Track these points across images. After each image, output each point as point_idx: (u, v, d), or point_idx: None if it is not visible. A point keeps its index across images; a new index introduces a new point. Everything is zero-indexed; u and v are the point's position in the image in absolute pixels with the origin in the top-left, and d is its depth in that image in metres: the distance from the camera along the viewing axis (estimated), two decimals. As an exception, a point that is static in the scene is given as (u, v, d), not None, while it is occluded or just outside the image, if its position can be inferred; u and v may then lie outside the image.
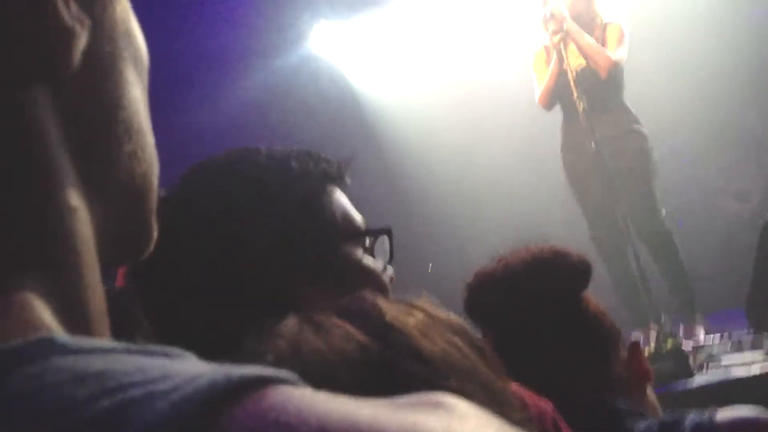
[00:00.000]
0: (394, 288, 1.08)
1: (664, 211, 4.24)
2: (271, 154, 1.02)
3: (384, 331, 0.68)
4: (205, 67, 5.70)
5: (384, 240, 1.07)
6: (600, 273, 4.33)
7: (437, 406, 0.32)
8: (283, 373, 0.33)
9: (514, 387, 0.93)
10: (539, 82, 4.35)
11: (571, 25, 4.13)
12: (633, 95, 4.35)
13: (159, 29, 5.47)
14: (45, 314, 0.37)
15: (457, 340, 0.72)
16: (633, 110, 4.29)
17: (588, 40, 4.13)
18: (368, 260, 1.03)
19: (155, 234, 0.49)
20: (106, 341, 0.36)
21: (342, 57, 6.16)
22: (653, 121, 4.42)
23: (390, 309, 0.72)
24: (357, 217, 1.05)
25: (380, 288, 1.01)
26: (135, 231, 0.47)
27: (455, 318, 0.76)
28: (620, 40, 4.19)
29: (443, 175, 5.89)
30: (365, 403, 0.32)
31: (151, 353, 0.35)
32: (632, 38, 4.29)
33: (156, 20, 5.73)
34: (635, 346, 1.44)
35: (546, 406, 1.12)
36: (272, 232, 0.96)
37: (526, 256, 1.42)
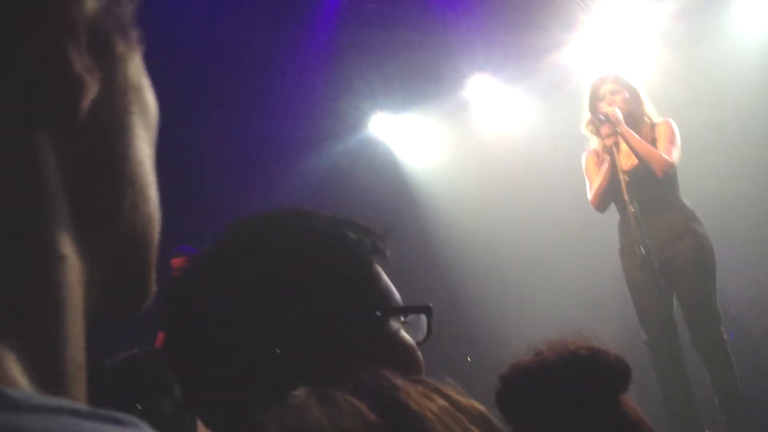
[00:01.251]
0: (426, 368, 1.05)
1: (722, 319, 4.13)
2: (324, 218, 1.01)
3: (397, 413, 0.66)
4: (268, 151, 5.91)
5: (420, 318, 1.05)
6: (649, 379, 4.25)
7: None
8: None
9: None
10: (591, 183, 4.35)
11: (623, 127, 4.15)
12: (693, 192, 4.32)
13: (228, 114, 5.75)
14: (11, 366, 0.36)
15: (475, 430, 0.70)
16: (692, 208, 4.24)
17: (640, 141, 4.14)
18: (405, 335, 1.01)
19: (153, 289, 0.48)
20: (62, 400, 0.35)
21: (397, 143, 6.39)
22: (713, 219, 4.36)
23: (410, 390, 0.70)
24: (395, 291, 1.04)
25: (415, 364, 0.99)
26: (131, 285, 0.47)
27: (479, 406, 0.74)
28: (672, 140, 4.19)
29: (489, 258, 5.91)
30: None
31: (101, 418, 0.34)
32: (689, 132, 4.30)
33: (224, 106, 6.02)
34: None
35: None
36: (322, 302, 0.94)
37: (563, 351, 1.37)
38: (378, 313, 0.98)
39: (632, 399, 1.39)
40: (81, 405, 0.34)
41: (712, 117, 5.48)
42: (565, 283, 5.51)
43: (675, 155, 4.17)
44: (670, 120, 4.28)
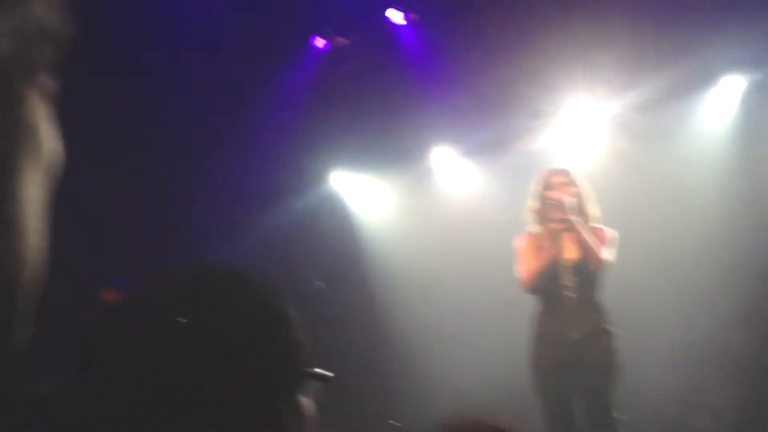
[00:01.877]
0: None
1: (618, 416, 4.19)
2: (252, 283, 1.02)
3: None
4: (230, 204, 5.95)
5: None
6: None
7: None
8: None
9: None
10: (525, 265, 4.41)
11: (574, 217, 4.28)
12: (611, 294, 4.44)
13: (188, 164, 5.77)
14: None
15: None
16: (609, 309, 4.35)
17: (588, 234, 4.27)
18: (306, 403, 1.04)
19: (21, 333, 0.46)
20: None
21: (355, 200, 6.50)
22: (632, 323, 4.48)
23: None
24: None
25: None
26: (5, 331, 0.45)
27: None
28: (609, 244, 4.35)
29: (426, 318, 6.01)
30: None
31: None
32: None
33: (185, 155, 6.02)
34: None
35: None
36: (236, 368, 0.95)
37: (475, 428, 1.38)
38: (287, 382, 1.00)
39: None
40: None
41: (666, 212, 5.67)
42: (492, 352, 5.61)
43: (611, 257, 4.30)
44: (612, 230, 4.39)
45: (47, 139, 0.45)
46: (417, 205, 6.38)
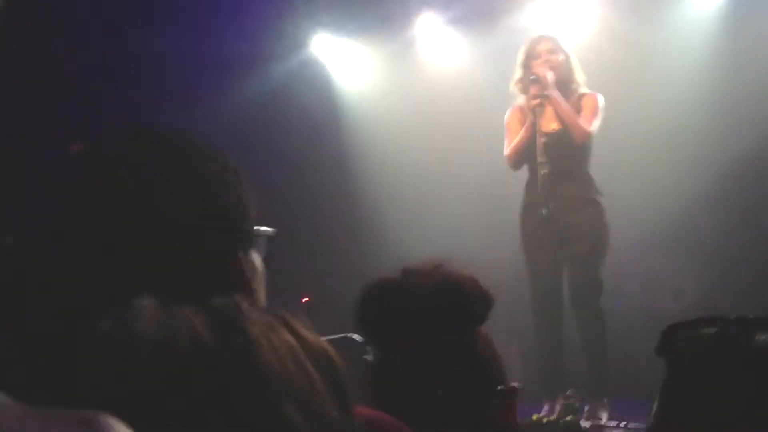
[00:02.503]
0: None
1: (602, 290, 4.32)
2: (196, 140, 1.02)
3: (231, 336, 0.68)
4: (206, 71, 5.79)
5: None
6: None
7: (87, 424, 0.30)
8: None
9: (365, 415, 0.96)
10: (510, 140, 4.44)
11: (553, 91, 4.25)
12: (597, 166, 4.47)
13: (160, 32, 5.57)
14: None
15: (309, 365, 0.72)
16: (597, 180, 4.38)
17: (567, 108, 4.25)
18: (256, 260, 1.05)
19: None
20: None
21: (337, 66, 6.34)
22: (612, 197, 4.52)
23: (255, 318, 0.72)
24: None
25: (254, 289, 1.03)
26: None
27: (324, 345, 0.76)
28: (595, 112, 4.32)
29: (402, 190, 6.06)
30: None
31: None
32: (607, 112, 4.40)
33: (157, 23, 5.81)
34: (511, 393, 1.41)
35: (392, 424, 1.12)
36: (185, 216, 0.96)
37: (431, 272, 1.40)
38: (238, 238, 1.00)
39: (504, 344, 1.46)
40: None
41: (653, 82, 5.61)
42: (468, 225, 5.68)
43: (594, 126, 4.31)
44: (598, 94, 4.40)
45: None
46: (401, 74, 6.25)
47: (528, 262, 4.42)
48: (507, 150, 4.44)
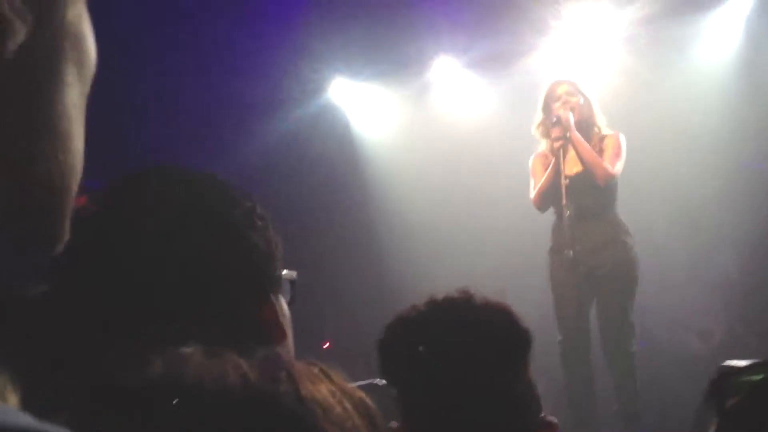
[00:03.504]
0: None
1: (635, 331, 4.28)
2: (227, 186, 1.02)
3: (279, 380, 0.68)
4: (223, 115, 5.84)
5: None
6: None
7: None
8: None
9: None
10: (535, 184, 4.45)
11: (574, 133, 4.25)
12: (621, 205, 4.45)
13: (183, 76, 5.64)
14: None
15: (349, 406, 0.71)
16: (626, 222, 4.36)
17: (589, 149, 4.25)
18: (284, 305, 1.05)
19: (64, 237, 0.47)
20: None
21: (355, 110, 6.40)
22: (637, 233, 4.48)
23: (298, 367, 0.71)
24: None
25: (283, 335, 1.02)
26: (42, 232, 0.45)
27: (360, 393, 0.76)
28: (618, 152, 4.31)
29: (423, 236, 6.03)
30: None
31: None
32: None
33: (177, 66, 5.89)
34: (553, 427, 1.31)
35: None
36: (219, 265, 0.95)
37: (463, 305, 1.28)
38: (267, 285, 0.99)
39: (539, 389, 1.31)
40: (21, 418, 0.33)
41: (671, 123, 5.61)
42: (493, 273, 5.63)
43: (618, 168, 4.30)
44: (620, 134, 4.40)
45: (90, 44, 0.45)
46: (418, 116, 6.29)
47: (556, 305, 4.38)
48: (532, 194, 4.45)
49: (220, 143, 5.69)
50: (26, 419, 0.31)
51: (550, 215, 4.46)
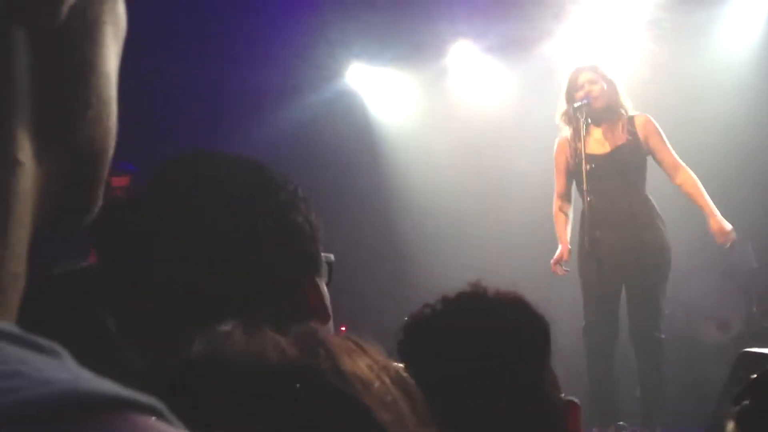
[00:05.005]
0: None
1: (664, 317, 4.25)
2: (266, 168, 1.04)
3: (318, 354, 0.67)
4: (241, 101, 5.83)
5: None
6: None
7: None
8: (146, 399, 0.31)
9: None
10: (558, 172, 4.46)
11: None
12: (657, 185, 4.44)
13: (199, 62, 5.64)
14: None
15: (387, 380, 0.71)
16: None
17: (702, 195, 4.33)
18: (323, 285, 1.07)
19: (99, 204, 0.47)
20: None
21: (372, 95, 6.37)
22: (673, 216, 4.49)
23: (335, 341, 0.71)
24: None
25: (326, 313, 1.04)
26: (81, 197, 0.45)
27: (396, 365, 0.75)
28: (663, 140, 4.34)
29: (443, 222, 5.99)
30: None
31: (21, 342, 0.32)
32: (670, 124, 4.43)
33: (197, 54, 5.88)
34: (575, 408, 1.29)
35: None
36: (258, 244, 0.97)
37: (477, 298, 1.26)
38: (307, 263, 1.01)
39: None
40: (2, 324, 0.33)
41: (694, 110, 5.54)
42: (516, 258, 5.59)
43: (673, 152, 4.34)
44: (648, 116, 4.36)
45: (122, 6, 0.46)
46: (436, 101, 6.25)
47: (583, 291, 4.34)
48: (556, 180, 4.45)
49: (236, 129, 5.69)
50: (114, 387, 0.31)
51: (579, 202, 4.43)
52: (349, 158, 6.19)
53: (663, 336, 4.24)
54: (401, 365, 0.78)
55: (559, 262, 4.35)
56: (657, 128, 4.33)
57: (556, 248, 4.46)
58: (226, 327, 0.71)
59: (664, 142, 4.32)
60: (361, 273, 6.08)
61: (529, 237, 5.56)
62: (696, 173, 5.44)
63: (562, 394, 1.28)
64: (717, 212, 4.24)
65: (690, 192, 4.31)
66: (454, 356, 1.20)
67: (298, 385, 0.66)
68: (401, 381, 0.74)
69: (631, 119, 4.35)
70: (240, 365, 0.66)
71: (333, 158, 6.10)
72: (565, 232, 4.40)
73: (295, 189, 1.03)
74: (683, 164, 4.33)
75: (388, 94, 6.38)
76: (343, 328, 5.30)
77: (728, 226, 4.21)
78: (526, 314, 1.25)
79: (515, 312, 1.24)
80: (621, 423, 4.06)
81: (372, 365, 0.72)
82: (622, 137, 4.29)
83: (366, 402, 0.67)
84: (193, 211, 0.96)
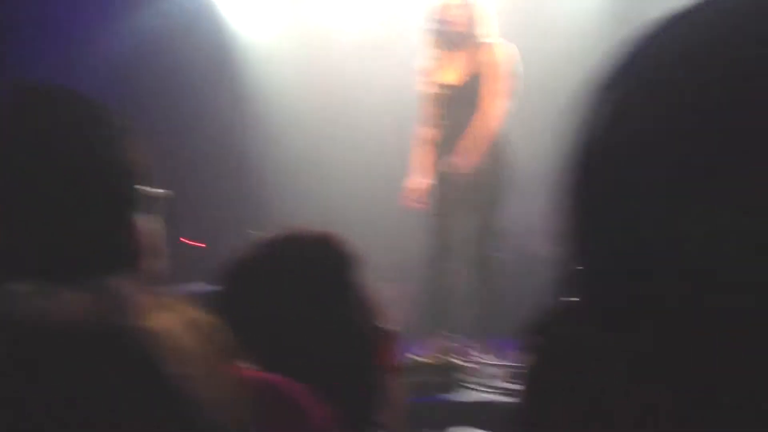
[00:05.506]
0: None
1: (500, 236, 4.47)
2: (81, 97, 0.97)
3: (120, 310, 0.70)
4: (85, 7, 5.41)
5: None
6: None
7: None
8: None
9: (242, 371, 0.96)
10: (421, 99, 4.50)
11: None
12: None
13: None
14: None
15: (195, 335, 0.75)
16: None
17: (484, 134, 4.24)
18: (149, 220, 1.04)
19: None
20: None
21: (231, 5, 6.06)
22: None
23: (143, 298, 0.74)
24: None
25: (159, 249, 1.02)
26: None
27: (207, 319, 0.79)
28: (501, 80, 4.26)
29: (297, 143, 5.93)
30: None
31: None
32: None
33: None
34: (390, 337, 1.36)
35: (283, 383, 1.11)
36: (69, 189, 0.90)
37: (281, 238, 1.33)
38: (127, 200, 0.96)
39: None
40: None
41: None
42: (363, 182, 5.63)
43: (503, 101, 4.26)
44: (505, 45, 4.29)
45: None
46: (301, 19, 6.02)
47: (431, 213, 4.50)
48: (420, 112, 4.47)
49: (80, 38, 5.26)
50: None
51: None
52: (205, 69, 5.92)
53: (496, 255, 4.49)
54: (211, 317, 0.81)
55: (420, 193, 4.45)
56: (502, 60, 4.29)
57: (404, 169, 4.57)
58: (17, 285, 0.72)
59: (498, 75, 4.28)
60: (213, 193, 5.91)
61: (382, 166, 5.61)
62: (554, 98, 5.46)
63: (384, 325, 1.34)
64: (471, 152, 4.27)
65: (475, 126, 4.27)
66: (261, 299, 1.27)
67: (87, 346, 0.68)
68: (210, 335, 0.77)
69: (489, 46, 4.31)
70: (27, 326, 0.67)
71: (187, 70, 5.79)
72: (429, 162, 4.44)
73: (107, 118, 0.95)
74: (496, 103, 4.27)
75: (247, 6, 6.13)
76: (197, 244, 5.31)
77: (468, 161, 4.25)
78: (328, 249, 1.31)
79: (317, 248, 1.31)
80: (447, 332, 4.35)
81: (177, 320, 0.75)
82: (476, 67, 4.30)
83: (165, 357, 0.70)
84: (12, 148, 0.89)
